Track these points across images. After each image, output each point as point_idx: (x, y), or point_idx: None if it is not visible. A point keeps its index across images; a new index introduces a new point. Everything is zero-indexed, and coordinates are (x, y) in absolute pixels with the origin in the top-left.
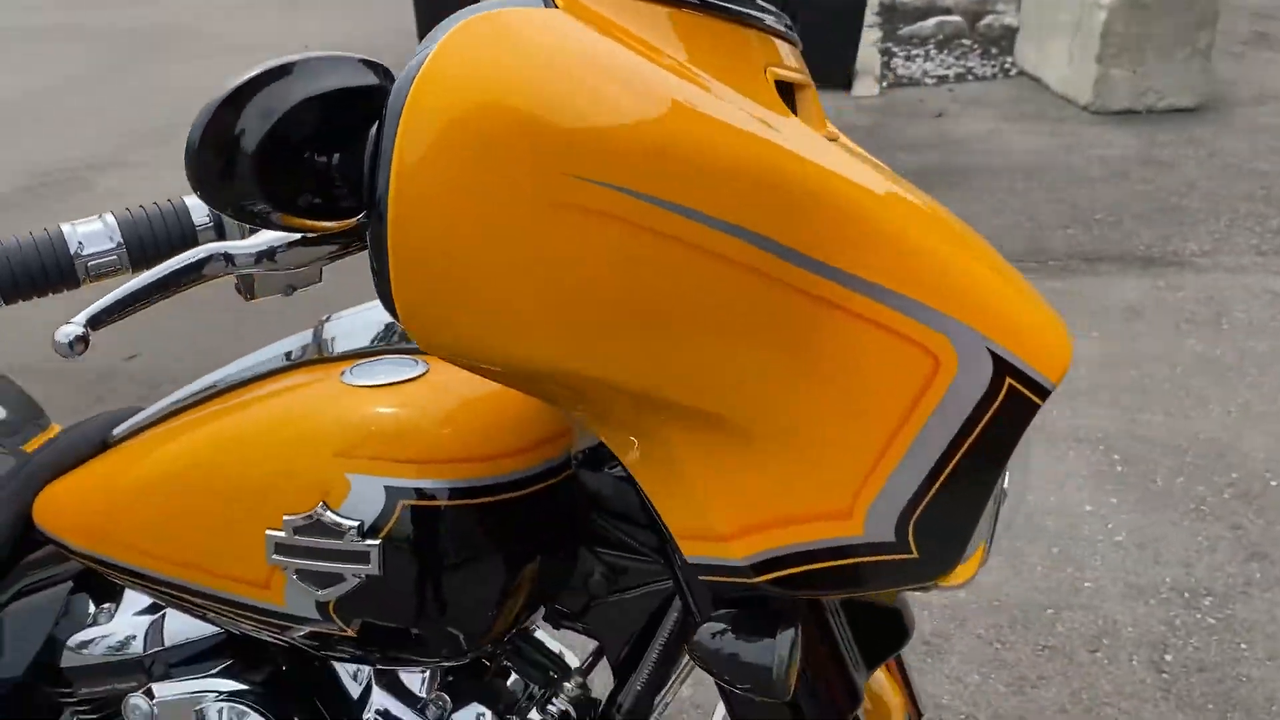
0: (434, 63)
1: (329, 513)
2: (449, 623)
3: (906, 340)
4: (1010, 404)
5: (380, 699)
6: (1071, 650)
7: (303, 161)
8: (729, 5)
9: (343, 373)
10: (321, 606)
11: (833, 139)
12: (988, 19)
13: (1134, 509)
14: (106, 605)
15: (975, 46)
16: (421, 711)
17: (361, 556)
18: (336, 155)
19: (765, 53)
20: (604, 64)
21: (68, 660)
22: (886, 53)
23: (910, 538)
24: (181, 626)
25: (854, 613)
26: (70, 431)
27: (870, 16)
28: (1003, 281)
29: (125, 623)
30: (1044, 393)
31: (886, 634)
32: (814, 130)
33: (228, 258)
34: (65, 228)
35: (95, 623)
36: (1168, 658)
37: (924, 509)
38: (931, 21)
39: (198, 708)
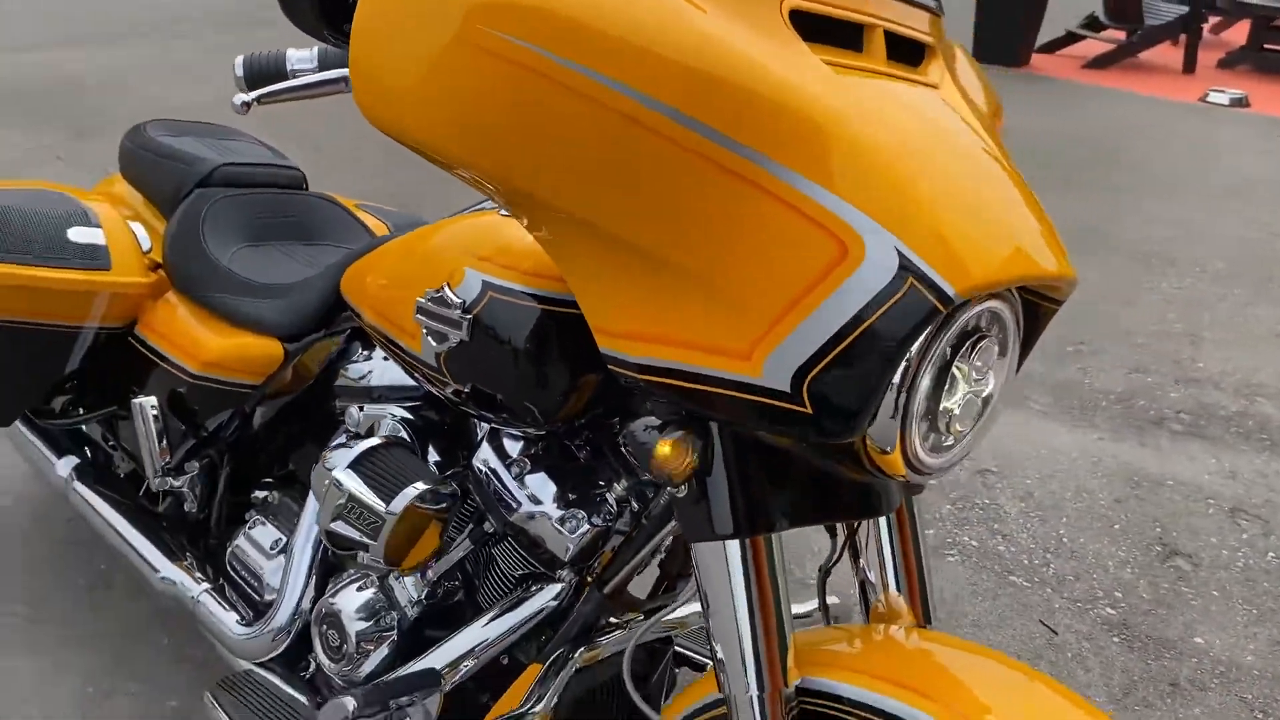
0: None
1: (448, 291)
2: (522, 395)
3: (817, 225)
4: (910, 302)
5: (485, 450)
6: None
7: (346, 4)
8: None
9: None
10: (437, 358)
11: (928, 85)
12: None
13: None
14: (366, 352)
15: None
16: (508, 467)
17: (458, 325)
18: None
19: None
20: None
21: (339, 381)
22: None
23: (805, 394)
24: (397, 373)
25: (808, 470)
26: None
27: None
28: (950, 200)
29: (372, 364)
30: (947, 300)
31: (845, 501)
32: (866, 62)
33: (346, 80)
34: (290, 51)
35: (356, 362)
36: None
37: (819, 373)
38: None
39: (380, 419)
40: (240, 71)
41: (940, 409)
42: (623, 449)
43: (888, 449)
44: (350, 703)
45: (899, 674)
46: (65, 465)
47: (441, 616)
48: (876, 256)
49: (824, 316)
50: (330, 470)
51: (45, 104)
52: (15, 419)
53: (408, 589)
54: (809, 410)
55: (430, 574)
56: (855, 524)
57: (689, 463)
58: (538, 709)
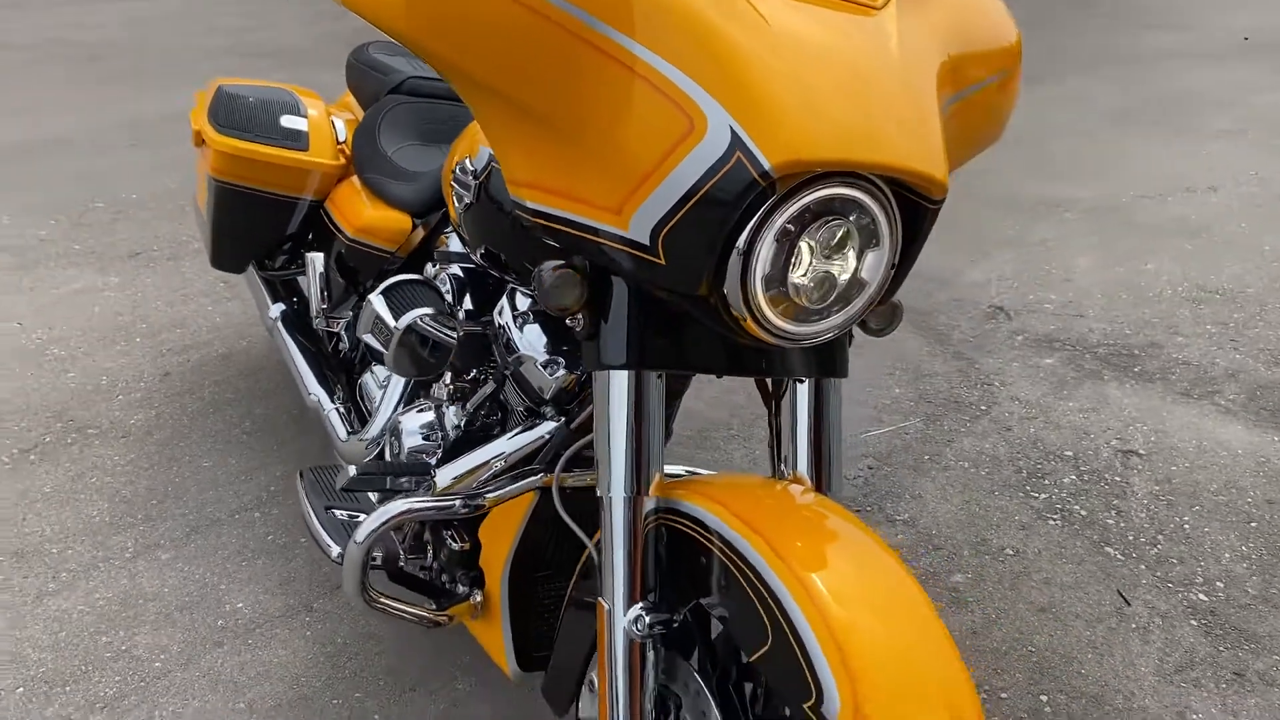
0: None
1: (468, 161)
2: (519, 256)
3: (672, 102)
4: (736, 173)
5: (503, 303)
6: None
7: None
8: None
9: None
10: (459, 215)
11: (860, 5)
12: None
13: None
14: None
15: None
16: (515, 319)
17: (469, 188)
18: None
19: None
20: None
21: (438, 248)
22: None
23: (660, 247)
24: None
25: (693, 322)
26: None
27: None
28: (794, 91)
29: (452, 234)
30: (764, 173)
31: (731, 357)
32: None
33: None
34: None
35: (447, 232)
36: None
37: (670, 230)
38: None
39: (441, 273)
40: None
41: (789, 280)
42: (530, 286)
43: (742, 311)
44: (353, 469)
45: (757, 517)
46: (275, 309)
47: (476, 443)
48: (715, 132)
49: (675, 181)
50: (369, 294)
51: None
52: (246, 268)
53: (452, 417)
54: (662, 261)
55: (469, 406)
56: (777, 396)
57: (576, 299)
58: (490, 495)
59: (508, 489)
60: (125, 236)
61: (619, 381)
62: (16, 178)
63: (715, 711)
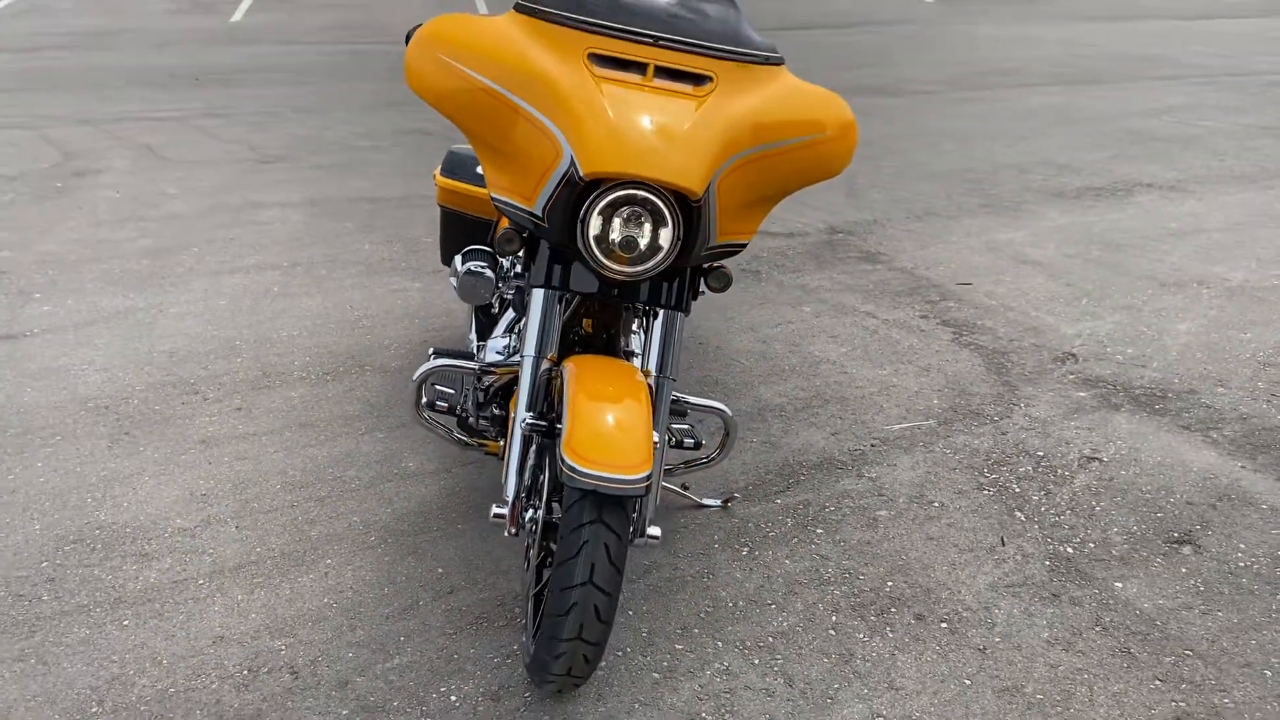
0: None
1: None
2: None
3: (551, 140)
4: (572, 178)
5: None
6: None
7: None
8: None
9: None
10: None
11: (688, 95)
12: None
13: None
14: None
15: None
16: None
17: None
18: None
19: (590, 42)
20: (482, 29)
21: None
22: None
23: (545, 216)
24: None
25: (581, 267)
26: None
27: None
28: (609, 136)
29: None
30: (580, 178)
31: (608, 289)
32: (644, 80)
33: None
34: None
35: None
36: None
37: (549, 208)
38: None
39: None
40: None
41: (609, 239)
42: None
43: (587, 257)
44: (432, 350)
45: (583, 371)
46: None
47: None
48: (565, 156)
49: (551, 181)
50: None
51: None
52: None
53: (514, 342)
54: (546, 225)
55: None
56: (647, 323)
57: (516, 248)
58: (497, 368)
59: (502, 365)
60: (437, 260)
61: (538, 295)
62: (382, 222)
63: (548, 473)
